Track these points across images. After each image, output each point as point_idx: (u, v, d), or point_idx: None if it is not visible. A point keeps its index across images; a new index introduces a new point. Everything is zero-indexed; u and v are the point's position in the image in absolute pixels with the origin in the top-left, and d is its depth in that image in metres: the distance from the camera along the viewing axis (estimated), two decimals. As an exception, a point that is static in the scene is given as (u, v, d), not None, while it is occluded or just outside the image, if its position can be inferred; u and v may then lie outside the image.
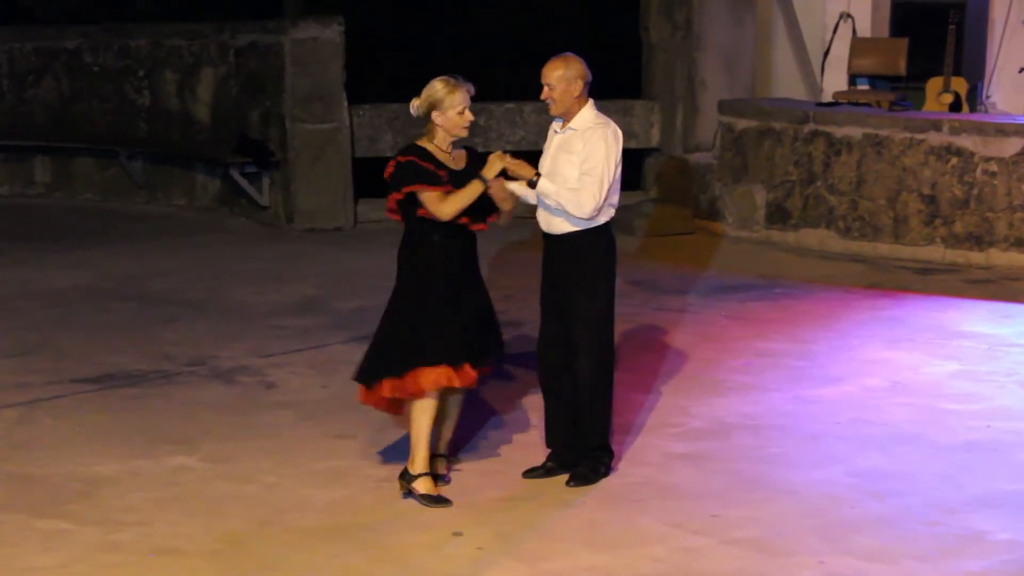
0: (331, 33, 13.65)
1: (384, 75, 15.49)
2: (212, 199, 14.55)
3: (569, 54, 7.16)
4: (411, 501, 7.00)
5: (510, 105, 13.89)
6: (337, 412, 8.31)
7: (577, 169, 7.01)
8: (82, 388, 8.78)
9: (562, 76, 7.04)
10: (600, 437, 7.27)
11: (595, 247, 7.15)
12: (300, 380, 8.98)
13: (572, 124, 7.10)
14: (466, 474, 7.34)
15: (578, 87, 7.06)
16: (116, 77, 15.06)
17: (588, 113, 7.11)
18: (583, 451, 7.26)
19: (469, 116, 6.99)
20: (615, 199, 7.15)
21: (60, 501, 7.02)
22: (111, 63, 15.09)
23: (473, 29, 16.89)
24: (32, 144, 15.12)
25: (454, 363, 6.94)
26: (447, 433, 7.28)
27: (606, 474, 7.28)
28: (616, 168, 7.08)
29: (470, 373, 7.00)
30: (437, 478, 7.11)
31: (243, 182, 13.75)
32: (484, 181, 6.92)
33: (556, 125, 7.20)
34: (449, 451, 7.35)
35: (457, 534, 6.65)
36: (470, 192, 6.90)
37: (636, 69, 14.65)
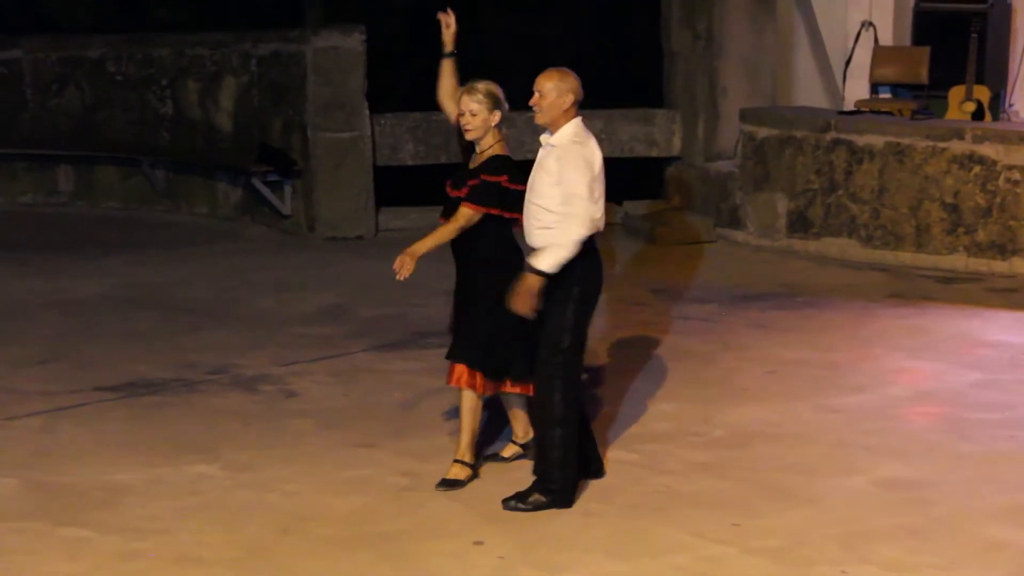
0: (353, 42, 13.68)
1: (405, 84, 15.50)
2: (234, 208, 14.58)
3: (566, 68, 7.17)
4: (432, 509, 7.01)
5: (531, 114, 13.84)
6: (359, 420, 8.32)
7: (551, 187, 6.97)
8: (104, 396, 8.80)
9: (554, 87, 7.06)
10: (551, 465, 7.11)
11: (573, 260, 6.92)
12: (322, 388, 8.98)
13: (552, 140, 7.09)
14: (487, 482, 7.34)
15: (568, 100, 7.05)
16: (139, 86, 15.11)
17: (570, 129, 7.05)
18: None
19: (466, 120, 7.21)
20: (598, 215, 7.02)
21: (82, 509, 7.04)
22: (134, 72, 15.14)
23: (494, 38, 16.90)
24: (55, 153, 15.17)
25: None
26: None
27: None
28: (597, 185, 7.00)
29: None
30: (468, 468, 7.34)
31: (265, 191, 13.78)
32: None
33: (543, 138, 7.22)
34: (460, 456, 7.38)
35: (478, 543, 6.65)
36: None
37: (657, 77, 14.65)
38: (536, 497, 7.04)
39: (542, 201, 7.01)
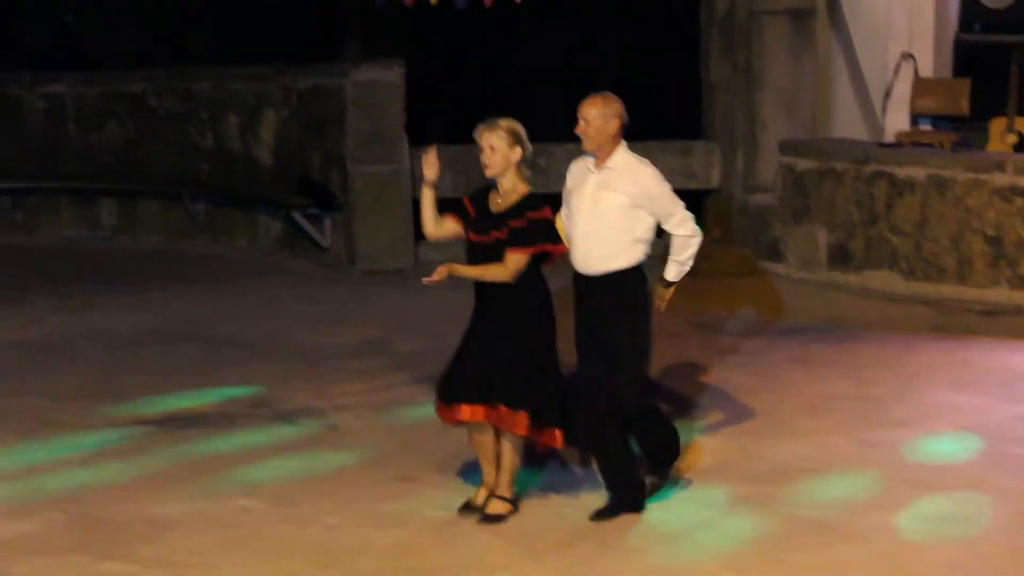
0: (392, 76, 13.72)
1: (444, 117, 15.55)
2: (274, 241, 14.63)
3: (609, 93, 7.29)
4: (473, 543, 7.00)
5: (570, 146, 13.84)
6: (399, 454, 8.32)
7: (617, 208, 7.17)
8: (147, 430, 8.83)
9: (599, 113, 7.19)
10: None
11: (635, 283, 7.28)
12: (362, 422, 8.99)
13: (609, 163, 7.22)
14: (528, 516, 7.33)
15: (614, 126, 7.20)
16: (180, 120, 15.20)
17: (625, 154, 7.29)
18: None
19: (486, 156, 7.19)
20: (650, 237, 7.30)
21: (125, 543, 7.06)
22: (175, 106, 15.23)
23: (532, 70, 16.93)
24: (98, 187, 15.26)
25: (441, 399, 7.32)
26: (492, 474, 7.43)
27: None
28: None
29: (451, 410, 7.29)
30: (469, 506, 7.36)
31: (305, 224, 13.83)
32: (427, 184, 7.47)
33: (588, 164, 7.27)
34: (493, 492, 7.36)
35: (519, 578, 6.64)
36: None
37: (695, 110, 14.64)
38: (617, 506, 7.29)
39: (607, 222, 7.16)
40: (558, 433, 7.20)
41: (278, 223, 14.48)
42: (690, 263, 7.51)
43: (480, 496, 7.40)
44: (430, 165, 7.39)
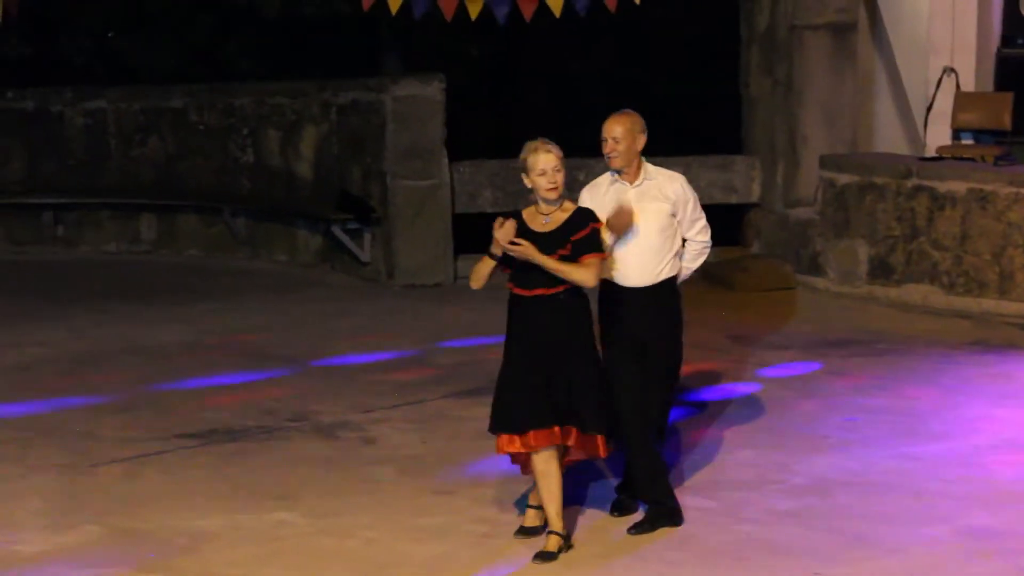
0: (432, 91, 13.76)
1: (484, 132, 15.57)
2: (314, 255, 14.67)
3: (630, 110, 7.39)
4: (511, 557, 6.99)
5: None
6: (437, 467, 8.32)
7: (667, 216, 7.34)
8: (186, 443, 8.86)
9: (628, 130, 7.28)
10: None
11: (674, 295, 7.46)
12: (401, 435, 9.00)
13: (644, 176, 7.37)
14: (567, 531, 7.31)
15: (642, 141, 7.32)
16: (220, 135, 15.27)
17: (652, 166, 7.43)
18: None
19: (551, 178, 6.95)
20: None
21: (165, 556, 7.08)
22: (215, 121, 15.31)
23: (572, 85, 16.95)
24: (139, 202, 15.35)
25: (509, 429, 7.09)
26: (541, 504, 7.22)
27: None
28: None
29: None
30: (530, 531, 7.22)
31: (344, 238, 13.86)
32: (491, 255, 6.98)
33: (616, 182, 7.35)
34: (543, 523, 7.19)
35: (557, 591, 6.63)
36: (481, 263, 7.03)
37: (736, 124, 14.63)
38: (656, 519, 7.30)
39: (663, 235, 7.32)
40: (600, 441, 7.13)
41: (318, 237, 14.53)
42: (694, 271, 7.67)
43: (531, 518, 7.26)
44: (505, 237, 6.93)
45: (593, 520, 7.45)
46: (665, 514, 7.33)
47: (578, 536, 7.19)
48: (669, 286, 7.41)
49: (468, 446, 8.64)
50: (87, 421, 9.32)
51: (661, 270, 7.35)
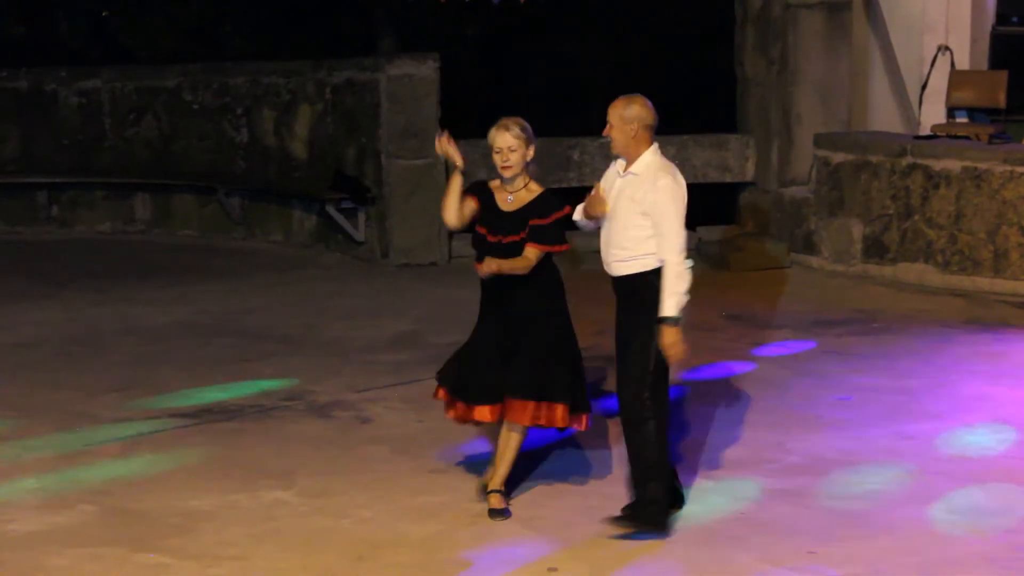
0: (426, 70, 13.73)
1: (478, 111, 15.56)
2: (308, 235, 14.67)
3: (636, 95, 7.11)
4: (507, 536, 7.00)
5: (604, 140, 13.83)
6: (432, 447, 8.33)
7: (637, 215, 6.96)
8: (181, 423, 8.87)
9: (619, 116, 7.04)
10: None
11: (655, 286, 6.95)
12: (395, 415, 9.00)
13: (633, 168, 7.05)
14: (562, 510, 7.32)
15: (633, 129, 7.00)
16: (215, 115, 15.25)
17: (650, 157, 7.04)
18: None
19: (504, 156, 7.12)
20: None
21: (159, 535, 7.08)
22: (210, 101, 15.28)
23: (567, 65, 16.93)
24: (133, 181, 15.34)
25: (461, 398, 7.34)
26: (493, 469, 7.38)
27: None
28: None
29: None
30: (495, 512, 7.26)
31: (339, 218, 13.86)
32: (457, 170, 7.20)
33: (619, 167, 7.17)
34: (500, 487, 7.31)
35: (552, 570, 6.63)
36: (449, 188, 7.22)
37: (730, 103, 14.62)
38: (643, 518, 6.99)
39: (627, 232, 7.00)
40: (584, 417, 7.28)
41: (312, 217, 14.52)
42: (687, 295, 6.92)
43: (488, 476, 7.43)
44: (456, 151, 7.26)
45: (586, 498, 7.45)
46: (650, 516, 7.02)
47: (575, 517, 7.20)
48: (642, 278, 6.98)
49: (463, 426, 8.63)
50: (82, 401, 9.32)
51: (621, 263, 7.03)
